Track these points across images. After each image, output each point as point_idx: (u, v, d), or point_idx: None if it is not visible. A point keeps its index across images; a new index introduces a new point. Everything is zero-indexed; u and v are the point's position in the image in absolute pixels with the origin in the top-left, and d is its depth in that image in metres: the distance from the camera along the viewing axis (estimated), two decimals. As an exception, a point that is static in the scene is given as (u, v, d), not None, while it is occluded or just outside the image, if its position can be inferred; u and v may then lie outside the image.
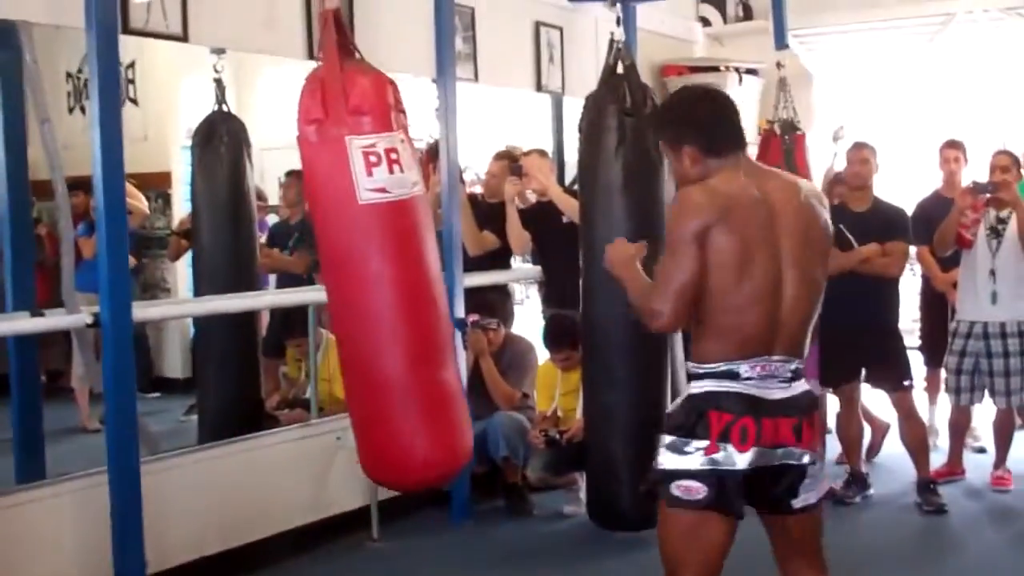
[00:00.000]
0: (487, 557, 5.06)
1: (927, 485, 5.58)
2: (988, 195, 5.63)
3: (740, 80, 7.46)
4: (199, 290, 5.73)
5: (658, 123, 3.16)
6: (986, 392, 5.74)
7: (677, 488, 2.80)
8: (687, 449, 2.80)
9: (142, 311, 4.66)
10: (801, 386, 2.91)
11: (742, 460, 2.78)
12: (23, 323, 4.24)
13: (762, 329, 2.82)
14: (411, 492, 3.68)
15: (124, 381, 4.08)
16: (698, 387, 2.85)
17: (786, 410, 2.84)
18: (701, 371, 2.86)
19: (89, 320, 4.11)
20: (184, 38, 4.53)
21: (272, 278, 6.61)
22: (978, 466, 6.07)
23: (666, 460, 2.83)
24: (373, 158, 3.21)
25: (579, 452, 5.24)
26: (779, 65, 6.45)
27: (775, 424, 2.81)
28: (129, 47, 7.18)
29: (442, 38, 5.42)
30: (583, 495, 5.42)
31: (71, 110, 7.79)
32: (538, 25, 6.46)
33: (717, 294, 2.79)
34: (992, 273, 5.63)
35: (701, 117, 2.98)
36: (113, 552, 4.04)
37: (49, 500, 4.11)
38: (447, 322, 3.68)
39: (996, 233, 5.65)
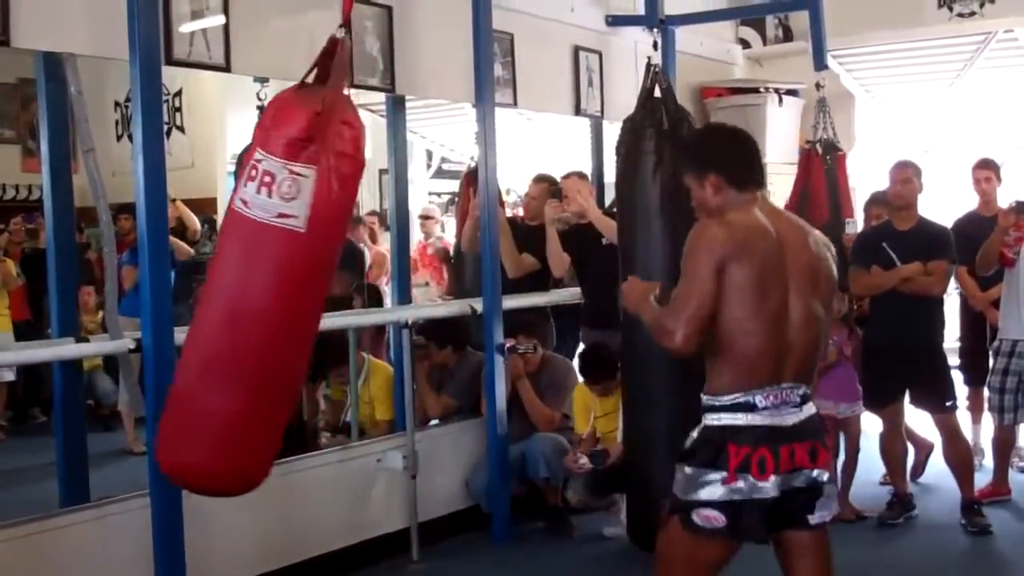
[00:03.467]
0: (527, 579, 5.07)
1: (972, 506, 5.52)
2: (1030, 214, 5.60)
3: (780, 101, 7.46)
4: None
5: (685, 153, 3.28)
6: (1030, 411, 5.67)
7: (698, 516, 2.90)
8: (707, 479, 2.89)
9: (183, 336, 4.70)
10: (810, 409, 3.00)
11: (764, 489, 2.87)
12: (67, 349, 4.31)
13: (773, 357, 2.92)
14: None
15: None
16: (714, 419, 2.94)
17: (801, 435, 2.94)
18: (717, 403, 2.94)
19: (132, 345, 4.17)
20: (227, 68, 4.59)
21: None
22: (1024, 486, 6.01)
23: (687, 490, 2.92)
24: (253, 172, 3.27)
25: (619, 474, 5.24)
26: (818, 86, 6.44)
27: (791, 450, 2.91)
28: (176, 76, 7.33)
29: (481, 64, 5.48)
30: (624, 517, 5.42)
31: (119, 138, 7.94)
32: (577, 50, 6.50)
33: (733, 324, 2.90)
34: (1034, 292, 5.59)
35: (727, 150, 3.12)
36: (155, 574, 4.08)
37: (92, 522, 4.16)
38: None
39: (1038, 252, 5.60)
